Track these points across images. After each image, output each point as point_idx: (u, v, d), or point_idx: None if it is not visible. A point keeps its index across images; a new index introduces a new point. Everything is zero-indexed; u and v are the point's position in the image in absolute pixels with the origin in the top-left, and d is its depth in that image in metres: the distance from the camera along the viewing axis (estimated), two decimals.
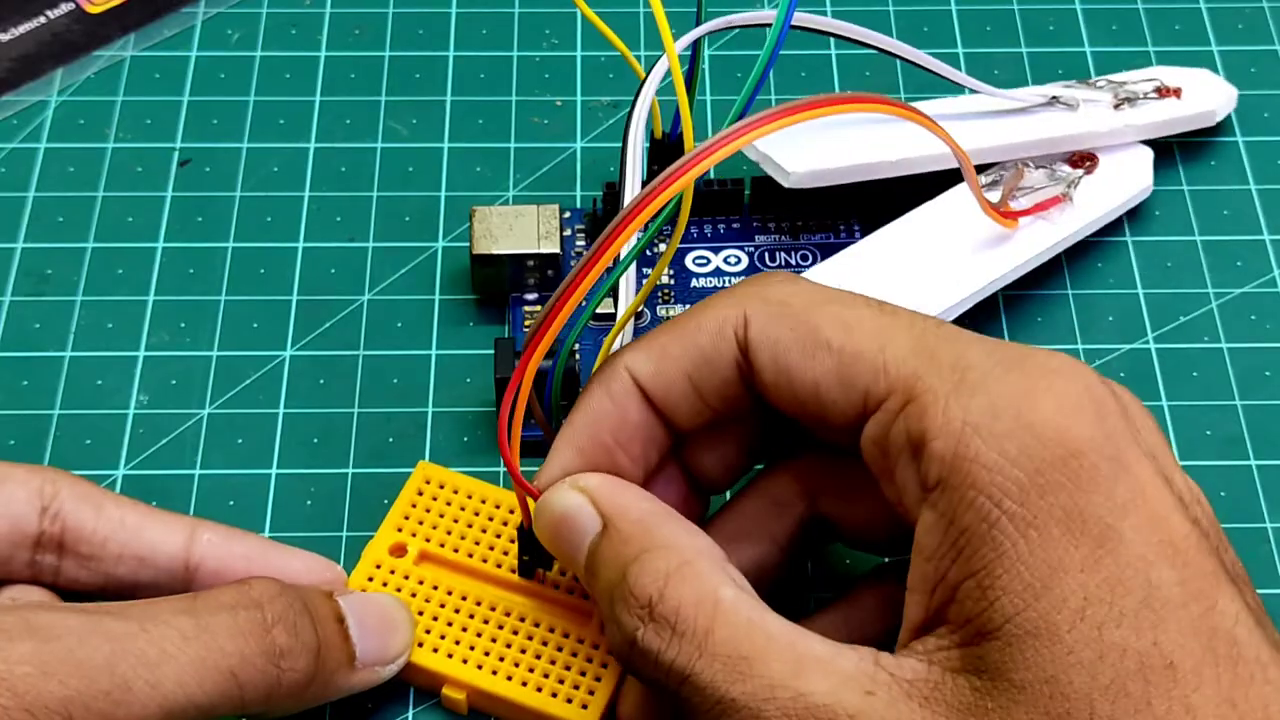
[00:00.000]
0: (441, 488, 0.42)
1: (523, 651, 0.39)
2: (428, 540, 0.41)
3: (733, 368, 0.36)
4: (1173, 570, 0.31)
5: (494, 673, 0.39)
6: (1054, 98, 0.48)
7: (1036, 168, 0.47)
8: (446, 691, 0.39)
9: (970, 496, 0.32)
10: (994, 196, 0.45)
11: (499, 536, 0.41)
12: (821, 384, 0.35)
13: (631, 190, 0.39)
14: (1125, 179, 0.48)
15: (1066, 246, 0.47)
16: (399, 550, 0.41)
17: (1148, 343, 0.46)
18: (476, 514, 0.41)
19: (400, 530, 0.41)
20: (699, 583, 0.34)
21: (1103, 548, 0.31)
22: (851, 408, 0.35)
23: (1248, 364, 0.46)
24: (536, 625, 0.39)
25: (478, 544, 0.41)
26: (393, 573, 0.40)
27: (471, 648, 0.39)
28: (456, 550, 0.41)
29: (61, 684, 0.32)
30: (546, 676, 0.39)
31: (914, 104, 0.49)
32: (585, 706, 0.38)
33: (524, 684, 0.39)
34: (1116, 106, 0.49)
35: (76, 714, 0.32)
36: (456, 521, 0.41)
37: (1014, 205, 0.46)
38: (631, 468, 0.37)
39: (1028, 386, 0.32)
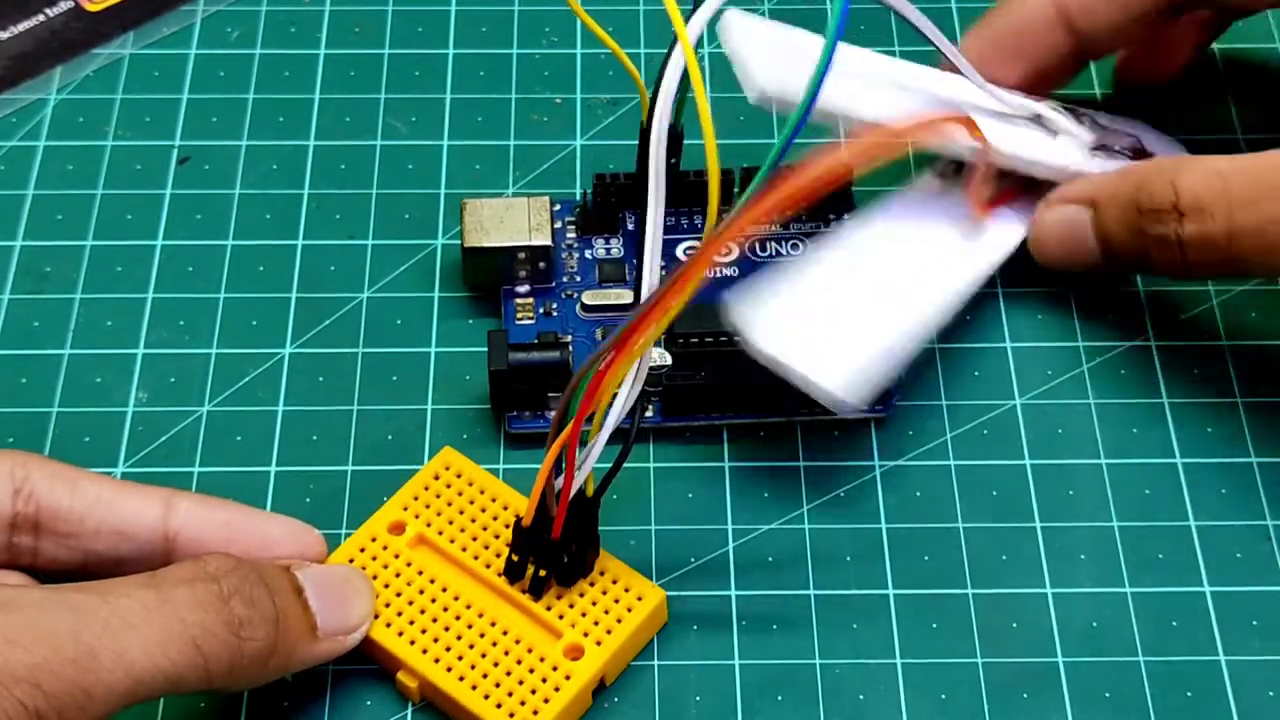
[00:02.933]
0: (458, 477, 0.41)
1: (482, 655, 0.39)
2: (428, 525, 0.41)
3: None
4: None
5: (448, 669, 0.38)
6: (1038, 115, 0.47)
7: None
8: (400, 677, 0.39)
9: None
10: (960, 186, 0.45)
11: (497, 538, 0.40)
12: None
13: (656, 195, 0.36)
14: None
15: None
16: (398, 528, 0.41)
17: (1149, 340, 0.46)
18: (484, 510, 0.41)
19: (406, 509, 0.41)
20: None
21: None
22: None
23: (1248, 362, 0.46)
24: (504, 634, 0.39)
25: (475, 540, 0.41)
26: (385, 548, 0.40)
27: (435, 639, 0.39)
28: (453, 541, 0.40)
29: (27, 652, 0.32)
30: (498, 686, 0.38)
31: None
32: None
33: (473, 687, 0.38)
34: (1093, 150, 0.47)
35: (45, 681, 0.32)
36: (462, 513, 0.41)
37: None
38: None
39: None
